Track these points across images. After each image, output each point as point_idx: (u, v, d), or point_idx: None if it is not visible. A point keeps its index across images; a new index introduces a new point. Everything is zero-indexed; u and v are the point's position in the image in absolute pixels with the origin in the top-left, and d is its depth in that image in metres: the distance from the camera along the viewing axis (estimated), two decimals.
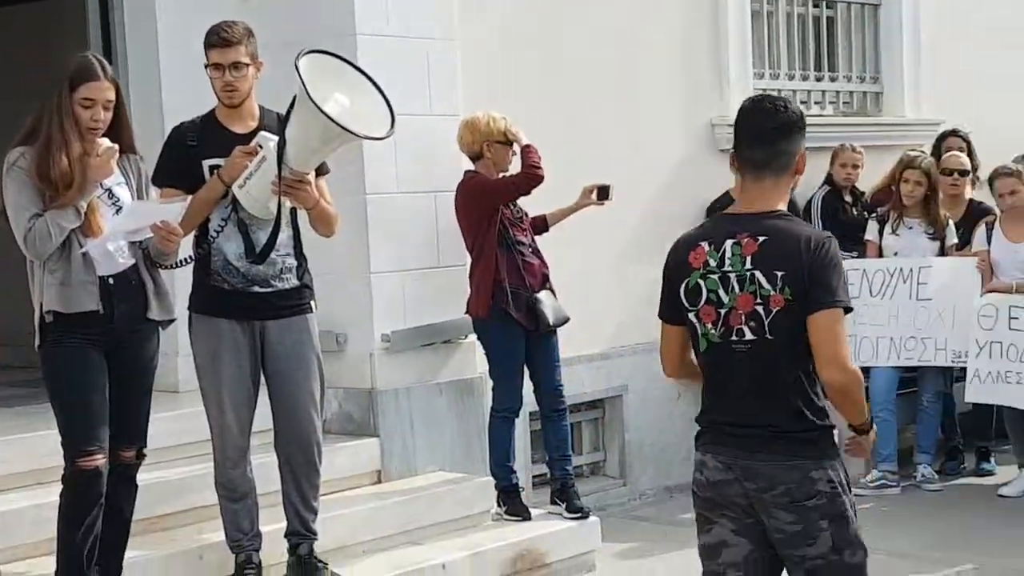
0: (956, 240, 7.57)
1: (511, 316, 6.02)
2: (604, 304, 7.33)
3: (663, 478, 7.55)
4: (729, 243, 3.51)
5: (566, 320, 6.20)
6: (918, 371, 7.51)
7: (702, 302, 3.54)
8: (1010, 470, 7.43)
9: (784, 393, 3.47)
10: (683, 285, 3.57)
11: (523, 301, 6.05)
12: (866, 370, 7.55)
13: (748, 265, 3.47)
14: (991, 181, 7.52)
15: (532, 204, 6.31)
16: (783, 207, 3.57)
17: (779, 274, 3.43)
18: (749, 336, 3.47)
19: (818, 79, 8.62)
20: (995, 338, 7.05)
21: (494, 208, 6.04)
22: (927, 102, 8.93)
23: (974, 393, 7.25)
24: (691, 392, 7.68)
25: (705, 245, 3.55)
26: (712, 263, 3.52)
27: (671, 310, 3.63)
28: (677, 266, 3.60)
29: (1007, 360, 7.02)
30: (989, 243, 7.31)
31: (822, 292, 3.42)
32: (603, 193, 6.44)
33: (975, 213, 7.65)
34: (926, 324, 7.37)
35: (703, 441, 3.66)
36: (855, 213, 8.08)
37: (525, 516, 6.05)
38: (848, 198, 8.12)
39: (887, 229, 7.60)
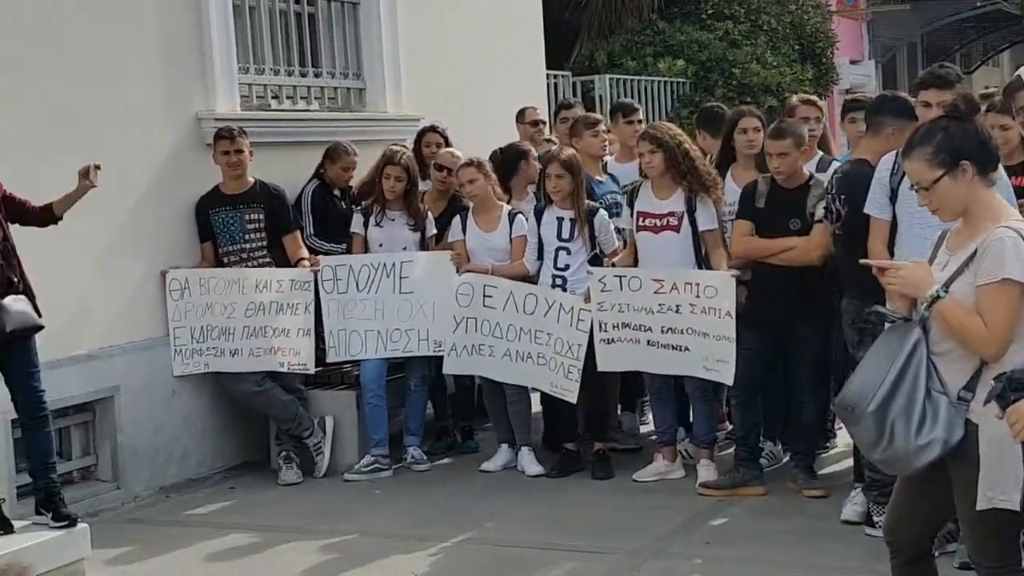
0: (435, 231, 7.95)
1: None
2: (90, 302, 7.10)
3: (159, 479, 7.42)
4: None
5: (35, 327, 5.84)
6: (405, 358, 7.81)
7: None
8: (492, 446, 7.84)
9: None
10: None
11: None
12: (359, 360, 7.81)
13: None
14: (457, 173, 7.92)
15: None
16: None
17: None
18: None
19: (303, 75, 8.74)
20: (471, 314, 7.54)
21: None
22: (407, 98, 9.24)
23: (450, 365, 7.70)
24: (187, 389, 7.60)
25: None
26: None
27: None
28: None
29: (480, 334, 7.53)
30: (464, 233, 7.75)
31: None
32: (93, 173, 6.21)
33: (456, 207, 8.04)
34: (409, 316, 7.70)
35: None
36: (344, 207, 8.29)
37: (6, 529, 5.75)
38: (337, 192, 8.32)
39: (372, 221, 7.87)
